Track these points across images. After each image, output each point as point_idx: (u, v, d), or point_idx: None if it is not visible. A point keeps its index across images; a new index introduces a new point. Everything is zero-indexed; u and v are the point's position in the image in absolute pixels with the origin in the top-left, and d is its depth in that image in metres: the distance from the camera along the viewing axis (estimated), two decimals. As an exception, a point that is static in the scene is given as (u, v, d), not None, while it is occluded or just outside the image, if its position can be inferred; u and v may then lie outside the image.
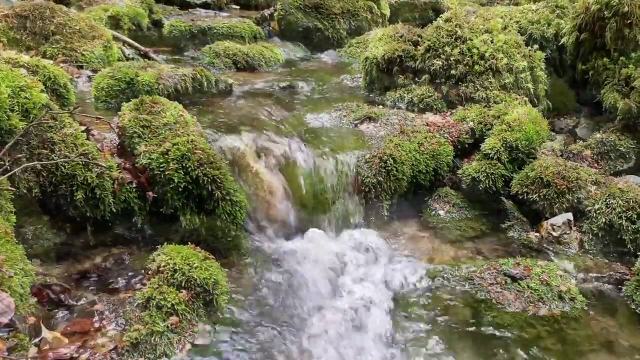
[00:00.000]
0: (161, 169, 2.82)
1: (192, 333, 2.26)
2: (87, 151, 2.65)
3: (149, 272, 2.42)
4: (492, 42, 4.22)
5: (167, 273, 2.33)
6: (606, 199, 3.29)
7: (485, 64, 4.16)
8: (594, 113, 4.50)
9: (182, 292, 2.30)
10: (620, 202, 3.22)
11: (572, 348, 2.53)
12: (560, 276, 2.91)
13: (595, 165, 4.00)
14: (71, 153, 2.63)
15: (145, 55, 5.14)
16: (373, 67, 4.64)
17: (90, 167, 2.64)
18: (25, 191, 2.51)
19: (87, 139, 2.82)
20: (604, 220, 3.24)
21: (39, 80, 2.89)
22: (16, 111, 2.46)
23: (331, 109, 4.19)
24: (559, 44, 4.56)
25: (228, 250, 2.93)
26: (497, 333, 2.59)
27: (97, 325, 2.22)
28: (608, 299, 2.90)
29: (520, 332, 2.60)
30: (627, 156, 3.97)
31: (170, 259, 2.37)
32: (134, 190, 2.82)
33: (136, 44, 5.23)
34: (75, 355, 2.03)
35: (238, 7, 8.19)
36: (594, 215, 3.31)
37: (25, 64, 3.13)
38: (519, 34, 4.50)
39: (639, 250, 3.13)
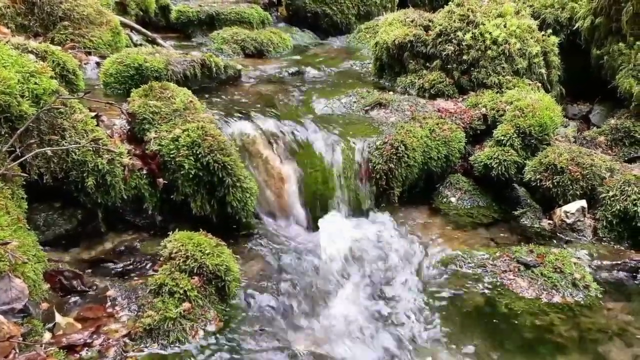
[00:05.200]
0: (171, 156, 2.81)
1: (205, 319, 2.25)
2: (97, 137, 2.64)
3: (161, 259, 2.41)
4: (505, 26, 4.14)
5: (179, 259, 2.32)
6: (621, 185, 3.24)
7: (498, 49, 4.08)
8: (607, 99, 4.43)
9: (194, 278, 2.29)
10: (635, 189, 3.17)
11: (585, 336, 2.51)
12: (574, 264, 2.88)
13: (609, 151, 3.94)
14: (81, 139, 2.61)
15: (153, 42, 5.09)
16: (383, 53, 4.58)
17: (100, 153, 2.63)
18: (36, 177, 2.50)
19: (97, 125, 2.80)
20: (618, 207, 3.20)
21: (48, 66, 2.86)
22: (26, 97, 2.44)
23: (341, 95, 4.15)
24: (574, 28, 4.47)
25: (239, 237, 2.93)
26: (510, 319, 2.58)
27: (109, 311, 2.21)
28: (622, 287, 2.87)
29: (533, 319, 2.58)
30: (642, 143, 3.90)
31: (182, 245, 2.36)
32: (144, 176, 2.81)
33: (144, 30, 5.19)
34: (88, 340, 2.03)
35: (246, -8, 8.09)
36: (609, 202, 3.26)
37: (34, 50, 3.10)
38: (532, 17, 4.42)
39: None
